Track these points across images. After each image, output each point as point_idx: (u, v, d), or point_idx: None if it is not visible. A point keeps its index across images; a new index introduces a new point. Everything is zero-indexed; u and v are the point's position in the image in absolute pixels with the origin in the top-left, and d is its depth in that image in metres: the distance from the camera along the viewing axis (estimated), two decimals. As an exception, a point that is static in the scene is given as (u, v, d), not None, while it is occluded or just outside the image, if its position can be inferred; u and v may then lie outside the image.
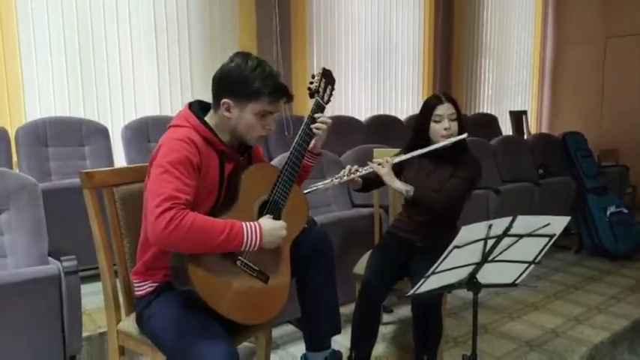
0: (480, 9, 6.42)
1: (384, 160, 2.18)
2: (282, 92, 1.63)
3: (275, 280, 1.67)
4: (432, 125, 2.22)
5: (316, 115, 1.85)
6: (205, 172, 1.59)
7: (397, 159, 2.20)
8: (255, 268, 1.60)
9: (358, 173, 2.16)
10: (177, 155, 1.50)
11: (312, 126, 1.83)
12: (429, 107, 2.24)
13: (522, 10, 6.98)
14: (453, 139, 2.17)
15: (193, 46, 4.13)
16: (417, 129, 2.29)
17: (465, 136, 2.19)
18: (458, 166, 2.20)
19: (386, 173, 2.15)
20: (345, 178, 2.15)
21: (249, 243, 1.52)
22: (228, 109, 1.61)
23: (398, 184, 2.15)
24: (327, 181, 2.14)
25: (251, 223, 1.54)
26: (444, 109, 2.20)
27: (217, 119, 1.65)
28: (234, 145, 1.70)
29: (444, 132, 2.19)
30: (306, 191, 2.00)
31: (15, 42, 3.40)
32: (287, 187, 1.72)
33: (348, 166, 2.18)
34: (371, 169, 2.17)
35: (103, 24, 3.73)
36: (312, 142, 1.87)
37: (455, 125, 2.21)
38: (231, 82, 1.60)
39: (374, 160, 2.21)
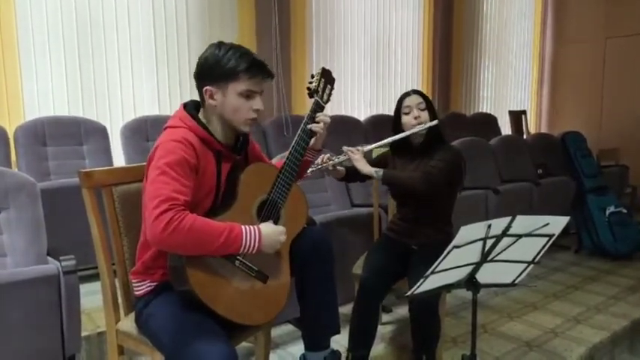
0: (480, 9, 6.42)
1: (355, 148, 2.22)
2: (258, 67, 1.61)
3: (274, 280, 1.66)
4: (403, 117, 2.27)
5: (316, 115, 1.85)
6: (202, 172, 1.59)
7: (368, 147, 2.24)
8: (254, 268, 1.60)
9: (331, 162, 2.17)
10: (174, 157, 1.50)
11: (310, 125, 1.81)
12: (398, 102, 2.31)
13: (522, 9, 6.98)
14: (424, 125, 2.21)
15: (192, 45, 4.13)
16: (392, 125, 2.34)
17: (435, 122, 2.23)
18: (435, 155, 2.22)
19: (357, 159, 2.18)
20: (317, 167, 2.15)
21: (247, 246, 1.52)
22: (211, 96, 1.61)
23: (368, 169, 2.18)
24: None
25: (251, 227, 1.54)
26: (411, 100, 2.26)
27: (207, 113, 1.66)
28: (230, 145, 1.70)
29: (413, 121, 2.23)
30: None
31: (14, 41, 3.40)
32: (286, 187, 1.72)
33: (322, 155, 2.18)
34: (344, 158, 2.19)
35: (101, 23, 3.73)
36: (312, 140, 1.86)
37: (425, 114, 2.25)
38: (207, 69, 1.61)
39: (346, 148, 2.23)
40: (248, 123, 1.66)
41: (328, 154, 2.21)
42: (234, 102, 1.61)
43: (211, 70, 1.60)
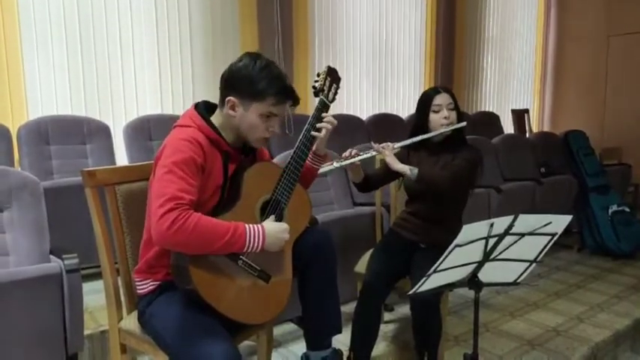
0: (483, 6, 6.41)
1: (385, 144, 2.19)
2: (288, 94, 1.62)
3: (277, 280, 1.66)
4: (432, 116, 2.24)
5: (322, 115, 1.84)
6: (209, 172, 1.59)
7: (398, 144, 2.20)
8: (257, 267, 1.60)
9: (358, 157, 2.13)
10: (181, 155, 1.50)
11: (317, 125, 1.82)
12: (427, 99, 2.26)
13: (525, 7, 6.96)
14: (453, 126, 2.20)
15: (195, 45, 4.13)
16: (417, 121, 2.30)
17: (464, 124, 2.22)
18: (458, 155, 2.21)
19: (388, 155, 2.16)
20: (345, 162, 2.12)
21: (251, 245, 1.52)
22: (232, 108, 1.62)
23: (401, 166, 2.14)
24: (326, 164, 2.09)
25: (254, 225, 1.54)
26: (442, 99, 2.23)
27: (222, 118, 1.66)
28: (238, 147, 1.70)
29: (443, 121, 2.21)
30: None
31: (17, 40, 3.40)
32: (290, 187, 1.72)
33: (349, 150, 2.16)
34: (372, 153, 2.16)
35: (104, 22, 3.73)
36: (315, 144, 1.86)
37: (454, 114, 2.23)
38: (237, 81, 1.60)
39: (376, 145, 2.20)
40: (261, 141, 1.68)
41: (355, 149, 2.16)
42: (253, 120, 1.61)
43: (241, 83, 1.59)
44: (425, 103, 2.26)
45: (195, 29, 4.13)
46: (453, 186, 2.11)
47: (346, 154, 2.15)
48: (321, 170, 2.06)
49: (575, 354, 2.52)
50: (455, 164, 2.16)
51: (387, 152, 2.16)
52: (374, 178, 2.34)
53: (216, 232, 1.46)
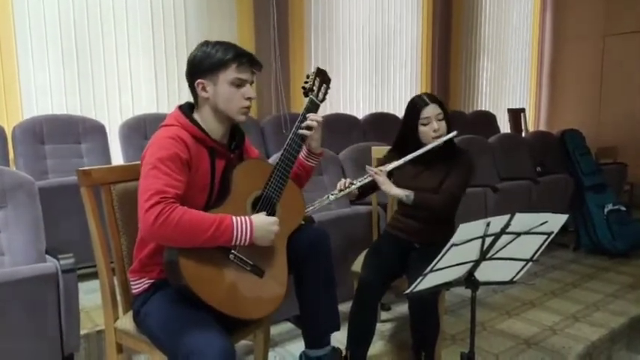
0: (479, 6, 6.42)
1: (378, 168, 2.18)
2: (245, 56, 1.65)
3: (271, 275, 1.66)
4: (421, 128, 2.22)
5: (308, 115, 1.85)
6: (196, 169, 1.60)
7: (391, 166, 2.18)
8: (249, 262, 1.60)
9: (353, 186, 2.14)
10: (166, 152, 1.53)
11: (301, 125, 1.83)
12: (414, 110, 2.23)
13: (521, 7, 6.98)
14: (444, 138, 2.17)
15: (190, 44, 4.11)
16: (406, 132, 2.28)
17: (454, 133, 2.19)
18: (451, 165, 2.21)
19: (383, 182, 2.15)
20: (341, 193, 2.12)
21: (239, 238, 1.52)
22: (204, 89, 1.64)
23: (396, 191, 2.15)
24: (323, 198, 2.10)
25: (242, 217, 1.55)
26: (430, 111, 2.19)
27: (202, 111, 1.68)
28: (224, 143, 1.71)
29: (433, 134, 2.19)
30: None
31: (12, 39, 3.39)
32: (281, 183, 1.72)
33: (342, 180, 2.16)
34: (366, 179, 2.15)
35: (100, 21, 3.72)
36: (307, 143, 1.87)
37: (443, 125, 2.21)
38: (197, 65, 1.64)
39: (368, 168, 2.19)
40: (242, 112, 1.68)
41: (349, 179, 2.16)
42: (225, 91, 1.63)
43: (201, 65, 1.63)
44: (413, 115, 2.23)
45: (191, 28, 4.13)
46: (448, 207, 2.16)
47: (340, 185, 2.14)
48: (316, 205, 2.07)
49: (571, 352, 2.53)
50: (450, 183, 2.16)
51: (382, 179, 2.15)
52: (367, 191, 2.32)
53: (201, 225, 1.47)
